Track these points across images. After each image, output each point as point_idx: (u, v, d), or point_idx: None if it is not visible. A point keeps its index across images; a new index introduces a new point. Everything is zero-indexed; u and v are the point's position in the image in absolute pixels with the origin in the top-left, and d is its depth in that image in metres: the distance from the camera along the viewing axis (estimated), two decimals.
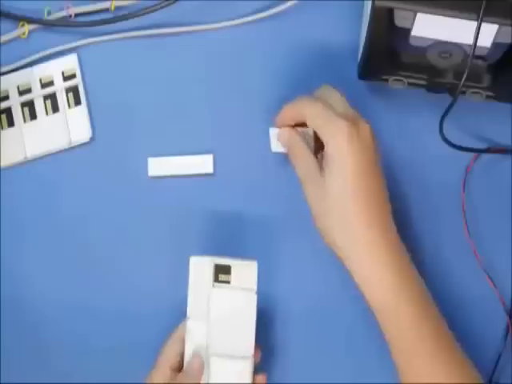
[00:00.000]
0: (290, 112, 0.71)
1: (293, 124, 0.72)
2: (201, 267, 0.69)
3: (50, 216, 0.78)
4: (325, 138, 0.68)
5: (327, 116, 0.68)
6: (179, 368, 0.70)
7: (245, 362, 0.68)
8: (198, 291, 0.68)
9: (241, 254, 0.72)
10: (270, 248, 0.73)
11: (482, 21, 0.65)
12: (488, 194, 0.77)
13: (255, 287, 0.68)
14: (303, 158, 0.70)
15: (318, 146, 0.71)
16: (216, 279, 0.69)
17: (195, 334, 0.68)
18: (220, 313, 0.68)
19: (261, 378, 0.70)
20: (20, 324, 0.78)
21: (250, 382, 0.68)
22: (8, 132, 0.79)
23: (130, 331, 0.77)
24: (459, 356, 0.68)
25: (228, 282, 0.69)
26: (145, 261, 0.78)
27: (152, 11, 0.79)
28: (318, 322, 0.76)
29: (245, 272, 0.68)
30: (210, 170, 0.78)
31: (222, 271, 0.69)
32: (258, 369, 0.70)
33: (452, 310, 0.75)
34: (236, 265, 0.69)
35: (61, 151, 0.79)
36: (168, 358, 0.70)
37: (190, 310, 0.69)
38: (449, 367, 0.67)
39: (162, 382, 0.69)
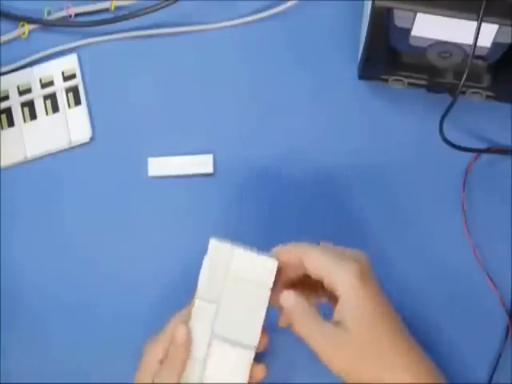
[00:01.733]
0: (287, 254, 0.66)
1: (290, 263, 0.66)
2: (220, 251, 0.67)
3: (50, 216, 0.79)
4: (336, 285, 0.63)
5: (333, 261, 0.64)
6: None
7: (246, 352, 0.67)
8: (211, 274, 0.67)
9: None
10: (270, 248, 0.73)
11: (481, 21, 0.65)
12: (488, 194, 0.77)
13: (271, 284, 0.67)
14: (316, 325, 0.64)
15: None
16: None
17: (202, 314, 0.67)
18: (232, 300, 0.67)
19: (260, 368, 0.68)
20: (20, 322, 0.78)
21: (247, 371, 0.67)
22: (8, 132, 0.79)
23: (128, 331, 0.77)
24: None
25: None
26: (144, 260, 0.78)
27: (152, 11, 0.79)
28: None
29: (264, 267, 0.67)
30: (210, 170, 0.78)
31: None
32: (262, 359, 0.69)
33: (452, 309, 0.75)
34: (256, 259, 0.67)
35: (61, 151, 0.79)
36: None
37: (201, 290, 0.67)
38: None
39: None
